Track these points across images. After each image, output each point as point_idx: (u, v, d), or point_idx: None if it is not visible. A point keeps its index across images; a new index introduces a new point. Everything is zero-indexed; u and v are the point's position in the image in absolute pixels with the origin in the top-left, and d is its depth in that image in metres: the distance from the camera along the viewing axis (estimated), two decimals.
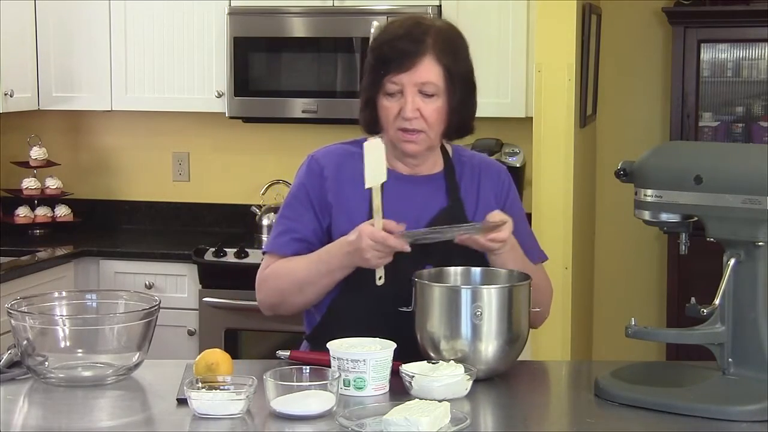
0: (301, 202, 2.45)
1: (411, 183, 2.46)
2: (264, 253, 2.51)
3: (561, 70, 4.01)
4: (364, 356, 2.12)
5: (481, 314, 2.19)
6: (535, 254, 2.56)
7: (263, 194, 4.75)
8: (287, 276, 2.41)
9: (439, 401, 1.98)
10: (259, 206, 4.73)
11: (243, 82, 4.56)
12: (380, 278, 2.28)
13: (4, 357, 2.30)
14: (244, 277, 4.21)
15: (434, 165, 2.49)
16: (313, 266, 2.37)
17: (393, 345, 2.17)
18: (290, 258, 2.43)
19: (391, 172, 2.44)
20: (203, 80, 4.64)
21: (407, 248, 2.25)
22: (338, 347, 2.15)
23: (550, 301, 2.55)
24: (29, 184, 4.90)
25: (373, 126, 2.44)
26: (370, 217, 2.38)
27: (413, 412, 1.91)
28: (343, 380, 2.10)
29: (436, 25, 2.40)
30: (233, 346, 4.33)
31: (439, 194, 2.46)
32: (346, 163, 2.46)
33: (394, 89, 2.36)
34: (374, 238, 2.24)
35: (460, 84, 2.39)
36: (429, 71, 2.35)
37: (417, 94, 2.35)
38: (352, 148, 2.49)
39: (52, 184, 4.95)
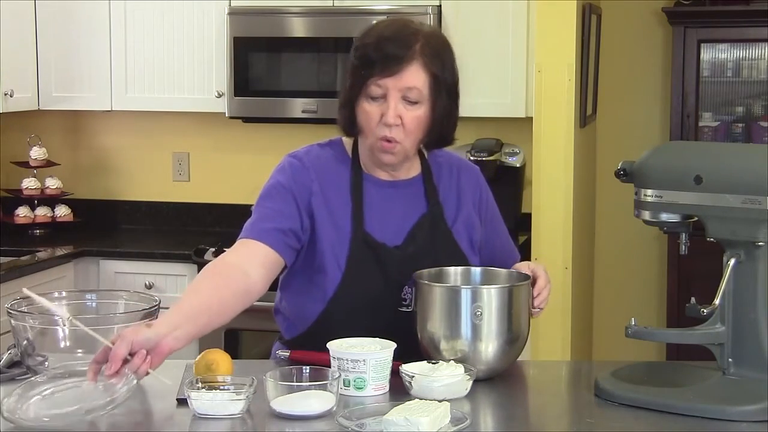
0: (282, 197, 2.38)
1: (391, 188, 2.42)
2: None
3: (561, 70, 4.01)
4: (364, 356, 2.12)
5: (481, 314, 2.19)
6: (514, 255, 2.58)
7: None
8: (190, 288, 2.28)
9: (439, 401, 1.98)
10: None
11: (243, 82, 4.56)
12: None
13: (4, 357, 2.30)
14: None
15: (411, 168, 2.44)
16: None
17: (393, 345, 2.17)
18: (210, 274, 2.26)
19: (370, 177, 2.42)
20: (203, 80, 4.65)
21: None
22: (338, 347, 2.15)
23: None
24: (29, 184, 4.90)
25: (351, 128, 2.38)
26: (353, 221, 2.36)
27: (413, 412, 1.91)
28: (343, 380, 2.10)
29: (424, 31, 2.33)
30: (233, 346, 4.33)
31: (419, 200, 2.43)
32: (326, 166, 2.41)
33: (377, 93, 2.29)
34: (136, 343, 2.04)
35: (446, 93, 2.33)
36: (415, 77, 2.28)
37: (400, 100, 2.29)
38: (330, 149, 2.44)
39: (52, 184, 4.95)
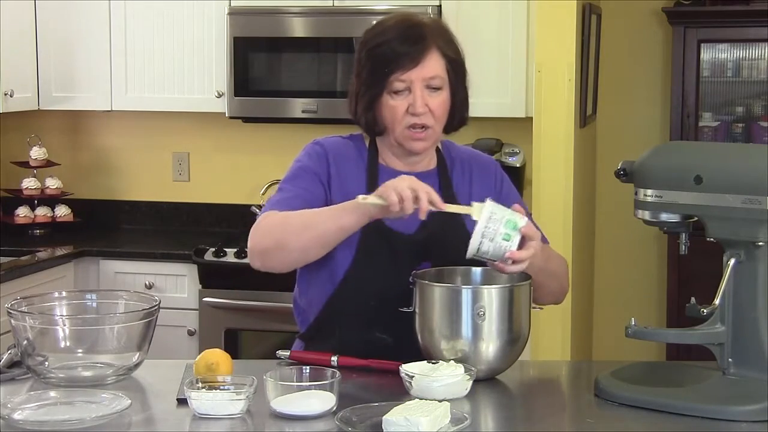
0: (309, 177, 2.41)
1: None
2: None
3: (561, 70, 4.01)
4: (489, 206, 2.14)
5: (483, 314, 2.19)
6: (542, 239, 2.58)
7: (263, 194, 4.75)
8: (289, 217, 2.30)
9: (439, 401, 1.98)
10: (259, 206, 4.72)
11: (243, 82, 4.56)
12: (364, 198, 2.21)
13: (4, 357, 2.30)
14: (244, 277, 4.23)
15: (429, 162, 2.49)
16: (324, 210, 2.29)
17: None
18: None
19: (386, 169, 2.45)
20: (203, 80, 4.65)
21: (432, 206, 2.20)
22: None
23: (568, 274, 2.55)
24: (29, 184, 4.91)
25: (375, 128, 2.42)
26: None
27: (413, 412, 1.91)
28: (503, 237, 2.13)
29: (426, 21, 2.41)
30: (233, 346, 4.33)
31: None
32: (346, 152, 2.45)
33: (401, 87, 2.35)
34: (413, 182, 2.19)
35: (461, 74, 2.42)
36: (435, 65, 2.35)
37: (425, 89, 2.35)
38: (351, 141, 2.49)
39: (52, 184, 4.95)
